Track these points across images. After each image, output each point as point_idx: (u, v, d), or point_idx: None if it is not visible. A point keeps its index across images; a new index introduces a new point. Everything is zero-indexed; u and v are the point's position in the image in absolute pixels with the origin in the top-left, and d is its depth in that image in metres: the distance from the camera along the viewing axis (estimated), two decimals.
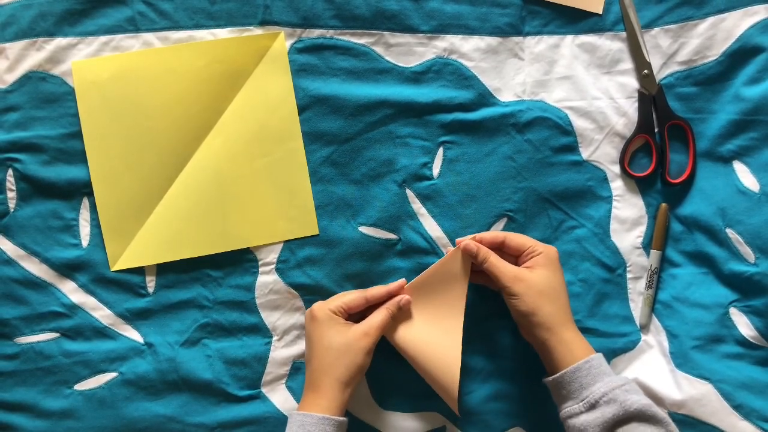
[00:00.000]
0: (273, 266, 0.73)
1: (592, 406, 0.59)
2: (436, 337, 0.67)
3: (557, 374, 0.62)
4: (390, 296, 0.69)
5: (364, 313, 0.68)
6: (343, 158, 0.73)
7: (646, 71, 0.73)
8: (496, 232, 0.69)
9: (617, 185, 0.74)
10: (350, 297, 0.67)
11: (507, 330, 0.73)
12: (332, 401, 0.63)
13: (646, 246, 0.74)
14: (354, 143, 0.73)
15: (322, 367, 0.64)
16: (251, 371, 0.73)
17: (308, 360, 0.67)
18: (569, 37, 0.74)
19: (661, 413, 0.59)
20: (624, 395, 0.59)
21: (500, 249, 0.68)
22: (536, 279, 0.64)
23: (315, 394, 0.64)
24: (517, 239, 0.67)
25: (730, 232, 0.71)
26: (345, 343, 0.64)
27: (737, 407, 0.69)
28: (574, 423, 0.60)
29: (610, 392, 0.59)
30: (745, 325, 0.70)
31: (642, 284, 0.74)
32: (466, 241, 0.66)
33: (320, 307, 0.67)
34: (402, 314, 0.69)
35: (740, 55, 0.71)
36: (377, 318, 0.66)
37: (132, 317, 0.72)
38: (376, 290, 0.68)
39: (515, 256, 0.67)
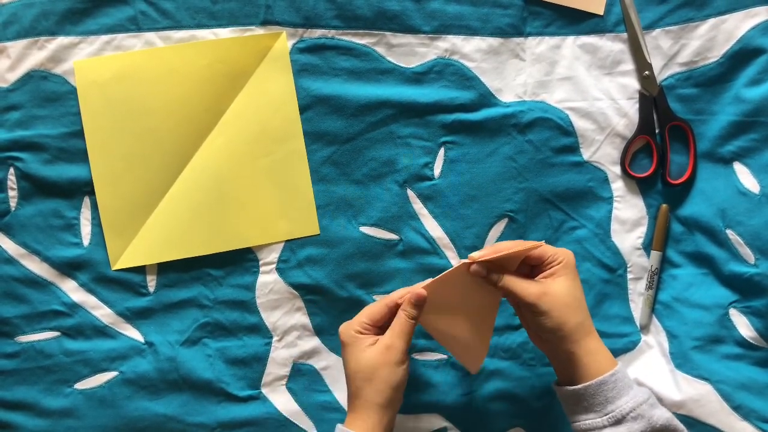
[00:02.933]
0: (274, 266, 0.73)
1: (618, 422, 0.58)
2: (466, 320, 0.65)
3: (579, 386, 0.60)
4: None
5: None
6: (345, 158, 0.73)
7: (647, 72, 0.73)
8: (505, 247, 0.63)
9: (618, 186, 0.74)
10: (372, 309, 0.64)
11: (507, 330, 0.73)
12: (371, 424, 0.60)
13: (647, 247, 0.74)
14: (355, 143, 0.73)
15: (355, 392, 0.62)
16: (251, 371, 0.73)
17: (346, 383, 0.64)
18: (570, 38, 0.74)
19: (681, 426, 0.59)
20: (650, 411, 0.58)
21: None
22: (560, 290, 0.60)
23: (353, 416, 0.62)
24: (540, 250, 0.62)
25: (730, 233, 0.71)
26: (370, 364, 0.61)
27: (736, 408, 0.69)
28: None
29: (638, 408, 0.58)
30: (744, 326, 0.71)
31: (642, 285, 0.74)
32: (473, 267, 0.61)
33: (345, 329, 0.64)
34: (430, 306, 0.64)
35: (741, 56, 0.71)
36: (395, 325, 0.63)
37: (132, 316, 0.72)
38: (394, 294, 0.65)
39: (531, 265, 0.64)
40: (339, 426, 0.62)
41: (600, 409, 0.59)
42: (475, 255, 0.62)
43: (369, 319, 0.63)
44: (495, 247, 0.63)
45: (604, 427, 0.59)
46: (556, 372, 0.65)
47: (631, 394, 0.59)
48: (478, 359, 0.67)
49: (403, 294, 0.64)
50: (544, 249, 0.62)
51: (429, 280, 0.63)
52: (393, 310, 0.64)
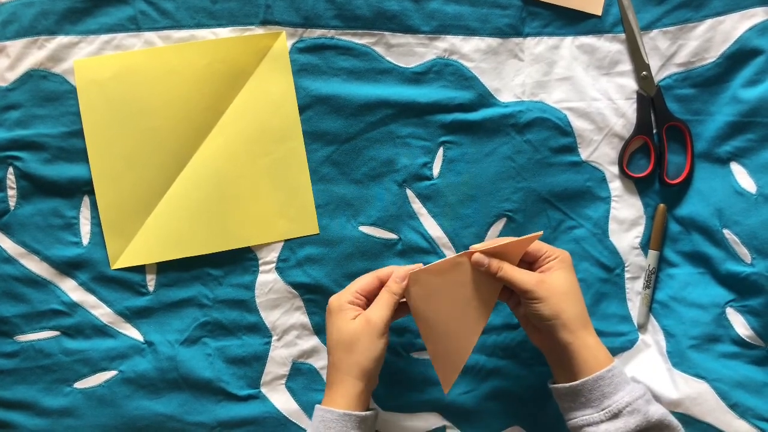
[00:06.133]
0: (273, 265, 0.73)
1: (615, 416, 0.59)
2: (458, 314, 0.65)
3: (577, 382, 0.61)
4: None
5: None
6: (344, 158, 0.73)
7: (644, 73, 0.74)
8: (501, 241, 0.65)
9: (616, 186, 0.75)
10: (363, 280, 0.65)
11: (506, 329, 0.73)
12: (350, 397, 0.61)
13: (644, 246, 0.75)
14: (354, 143, 0.73)
15: (335, 362, 0.63)
16: (251, 370, 0.73)
17: (327, 354, 0.65)
18: (569, 39, 0.74)
19: (676, 421, 0.60)
20: (646, 406, 0.59)
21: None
22: (558, 281, 0.62)
23: (332, 389, 0.62)
24: (537, 246, 0.64)
25: (727, 233, 0.71)
26: (351, 335, 0.62)
27: (733, 406, 0.70)
28: None
29: (634, 402, 0.59)
30: (741, 325, 0.71)
31: (640, 284, 0.75)
32: (475, 255, 0.63)
33: (335, 298, 0.64)
34: (422, 289, 0.64)
35: (738, 57, 0.72)
36: (378, 299, 0.63)
37: (132, 315, 0.72)
38: (387, 269, 0.65)
39: (529, 262, 0.65)
40: (318, 407, 0.62)
41: (597, 405, 0.60)
42: (477, 246, 0.63)
43: (362, 290, 0.64)
44: (494, 240, 0.65)
45: (601, 421, 0.59)
46: (553, 370, 0.65)
47: (627, 390, 0.60)
48: (453, 370, 0.66)
49: (391, 272, 0.65)
50: (541, 245, 0.64)
51: (430, 264, 0.64)
52: (383, 284, 0.65)
